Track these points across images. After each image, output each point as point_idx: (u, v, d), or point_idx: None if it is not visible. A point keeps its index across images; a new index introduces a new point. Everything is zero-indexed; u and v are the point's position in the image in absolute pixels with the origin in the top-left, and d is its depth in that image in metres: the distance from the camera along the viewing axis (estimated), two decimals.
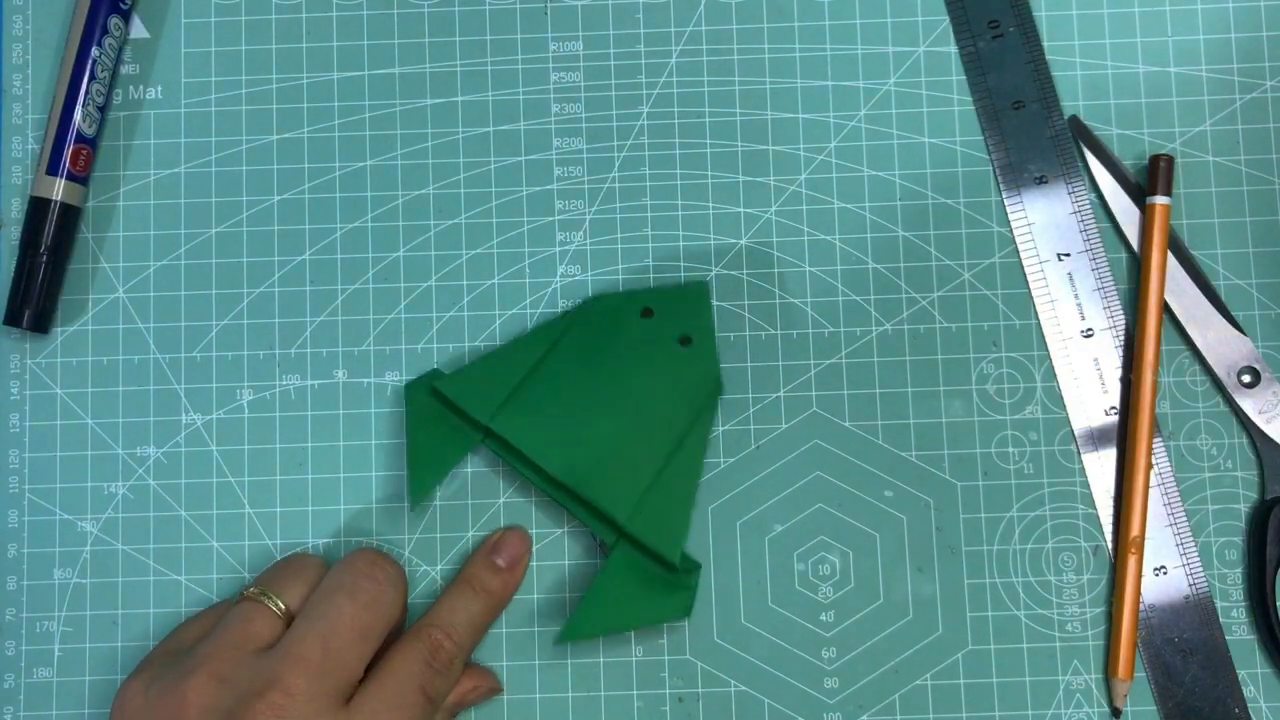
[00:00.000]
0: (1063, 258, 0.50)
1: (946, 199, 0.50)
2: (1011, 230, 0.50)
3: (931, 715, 0.48)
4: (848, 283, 0.50)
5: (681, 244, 0.50)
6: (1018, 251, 0.50)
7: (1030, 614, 0.48)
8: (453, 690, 0.45)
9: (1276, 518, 0.48)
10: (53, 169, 0.49)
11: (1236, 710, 0.47)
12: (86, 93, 0.49)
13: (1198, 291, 0.49)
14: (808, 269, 0.50)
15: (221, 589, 0.49)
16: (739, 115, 0.50)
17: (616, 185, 0.50)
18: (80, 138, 0.49)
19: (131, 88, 0.51)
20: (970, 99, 0.50)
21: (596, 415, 0.47)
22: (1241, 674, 0.48)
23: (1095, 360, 0.49)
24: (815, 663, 0.48)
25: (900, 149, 0.50)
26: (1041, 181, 0.50)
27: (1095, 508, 0.49)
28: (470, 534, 0.49)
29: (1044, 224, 0.50)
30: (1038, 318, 0.49)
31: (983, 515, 0.49)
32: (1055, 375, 0.49)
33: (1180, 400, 0.49)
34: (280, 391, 0.50)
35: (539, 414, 0.47)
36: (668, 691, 0.48)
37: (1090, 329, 0.49)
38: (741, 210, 0.50)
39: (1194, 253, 0.50)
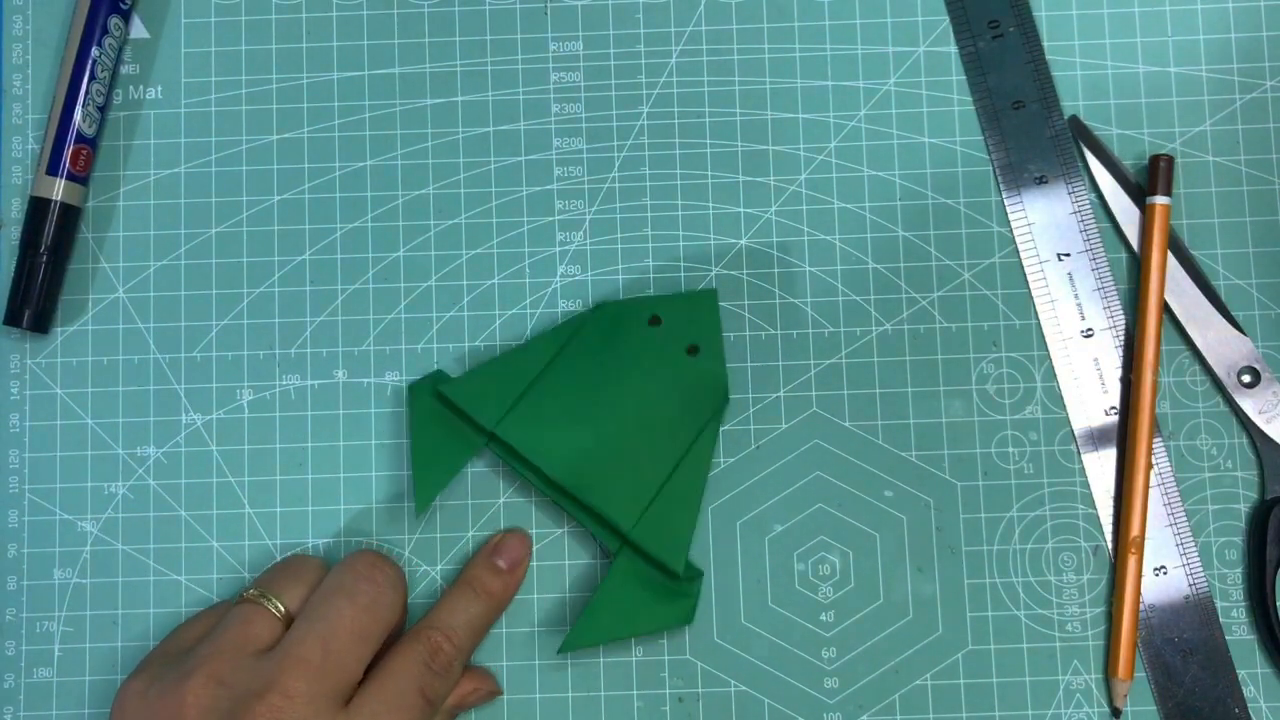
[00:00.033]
0: (1063, 258, 0.50)
1: (946, 199, 0.50)
2: (1011, 230, 0.50)
3: (931, 715, 0.48)
4: (848, 283, 0.50)
5: (681, 244, 0.50)
6: (1018, 251, 0.50)
7: (1030, 614, 0.48)
8: (452, 692, 0.45)
9: (1276, 518, 0.48)
10: (53, 169, 0.49)
11: (1236, 710, 0.47)
12: (86, 93, 0.49)
13: (1198, 291, 0.49)
14: (808, 269, 0.50)
15: (221, 589, 0.49)
16: (739, 115, 0.50)
17: (616, 185, 0.50)
18: (80, 138, 0.49)
19: (131, 88, 0.51)
20: (970, 99, 0.50)
21: (602, 422, 0.47)
22: (1241, 674, 0.48)
23: (1095, 360, 0.49)
24: (815, 663, 0.48)
25: (900, 149, 0.50)
26: (1041, 181, 0.50)
27: (1095, 508, 0.49)
28: (470, 534, 0.49)
29: (1044, 224, 0.50)
30: (1038, 318, 0.49)
31: (983, 515, 0.49)
32: (1055, 375, 0.49)
33: (1180, 400, 0.49)
34: (280, 391, 0.50)
35: (545, 420, 0.47)
36: (668, 691, 0.48)
37: (1090, 329, 0.49)
38: (741, 210, 0.50)
39: (1194, 253, 0.50)
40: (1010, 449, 0.49)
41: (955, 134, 0.50)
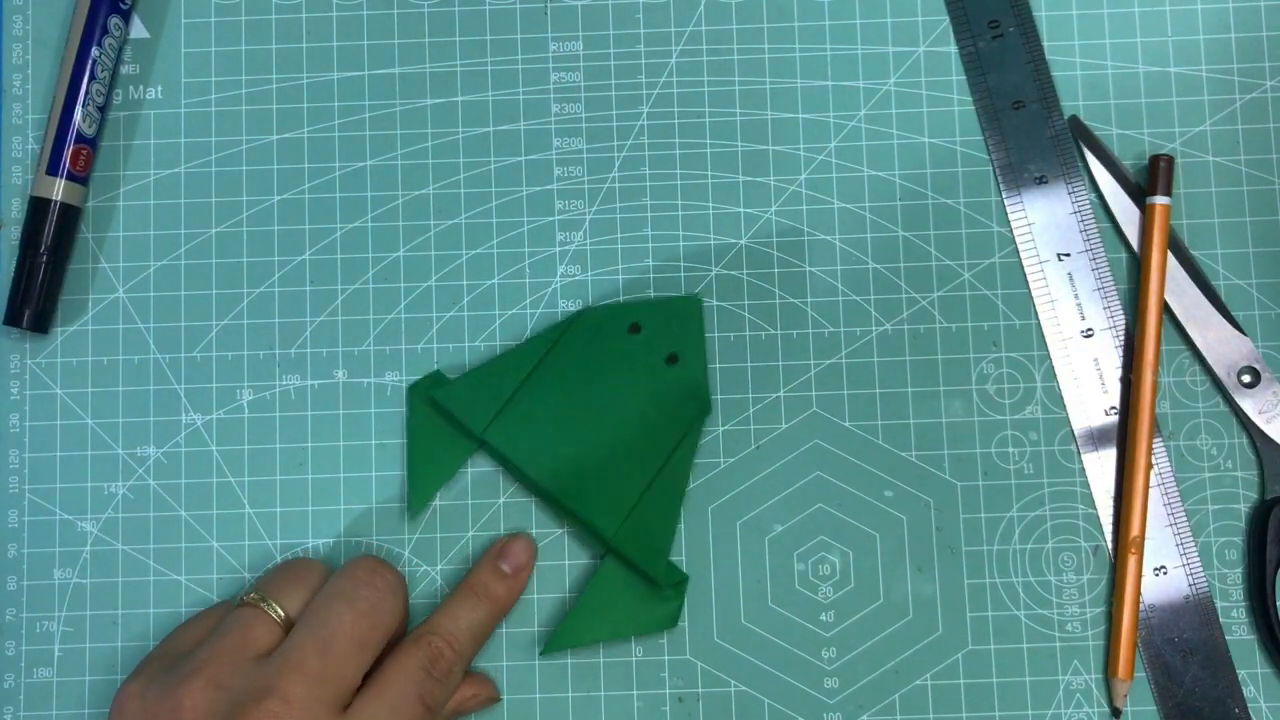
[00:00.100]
0: (1063, 258, 0.50)
1: (946, 199, 0.50)
2: (1011, 230, 0.50)
3: (931, 715, 0.48)
4: (848, 283, 0.50)
5: (681, 244, 0.50)
6: (1018, 251, 0.50)
7: (1030, 614, 0.48)
8: (451, 697, 0.45)
9: (1276, 518, 0.48)
10: (53, 169, 0.49)
11: (1236, 710, 0.47)
12: (86, 93, 0.49)
13: (1198, 291, 0.49)
14: (808, 269, 0.50)
15: (221, 589, 0.49)
16: (739, 115, 0.50)
17: (616, 185, 0.50)
18: (80, 138, 0.49)
19: (131, 88, 0.51)
20: (970, 99, 0.50)
21: (585, 429, 0.47)
22: (1241, 674, 0.48)
23: (1095, 360, 0.49)
24: (815, 663, 0.48)
25: (900, 149, 0.50)
26: (1041, 181, 0.50)
27: (1095, 508, 0.49)
28: (470, 534, 0.49)
29: (1044, 224, 0.50)
30: (1038, 318, 0.49)
31: (983, 515, 0.49)
32: (1055, 375, 0.49)
33: (1180, 400, 0.49)
34: (280, 391, 0.50)
35: (531, 426, 0.47)
36: (668, 691, 0.48)
37: (1090, 329, 0.49)
38: (741, 210, 0.50)
39: (1194, 253, 0.50)
40: (1010, 449, 0.49)
41: (955, 134, 0.50)
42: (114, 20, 0.50)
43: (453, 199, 0.50)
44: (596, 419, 0.47)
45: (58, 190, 0.49)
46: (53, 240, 0.49)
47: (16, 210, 0.50)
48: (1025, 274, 0.50)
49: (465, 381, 0.48)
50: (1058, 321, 0.49)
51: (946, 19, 0.51)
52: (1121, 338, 0.49)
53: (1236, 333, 0.49)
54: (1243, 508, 0.49)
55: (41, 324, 0.49)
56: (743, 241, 0.50)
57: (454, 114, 0.50)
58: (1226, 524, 0.49)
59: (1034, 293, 0.50)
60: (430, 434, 0.48)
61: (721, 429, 0.49)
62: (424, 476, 0.48)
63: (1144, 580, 0.48)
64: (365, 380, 0.49)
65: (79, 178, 0.49)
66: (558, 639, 0.47)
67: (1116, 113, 0.50)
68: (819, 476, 0.49)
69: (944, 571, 0.48)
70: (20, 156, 0.51)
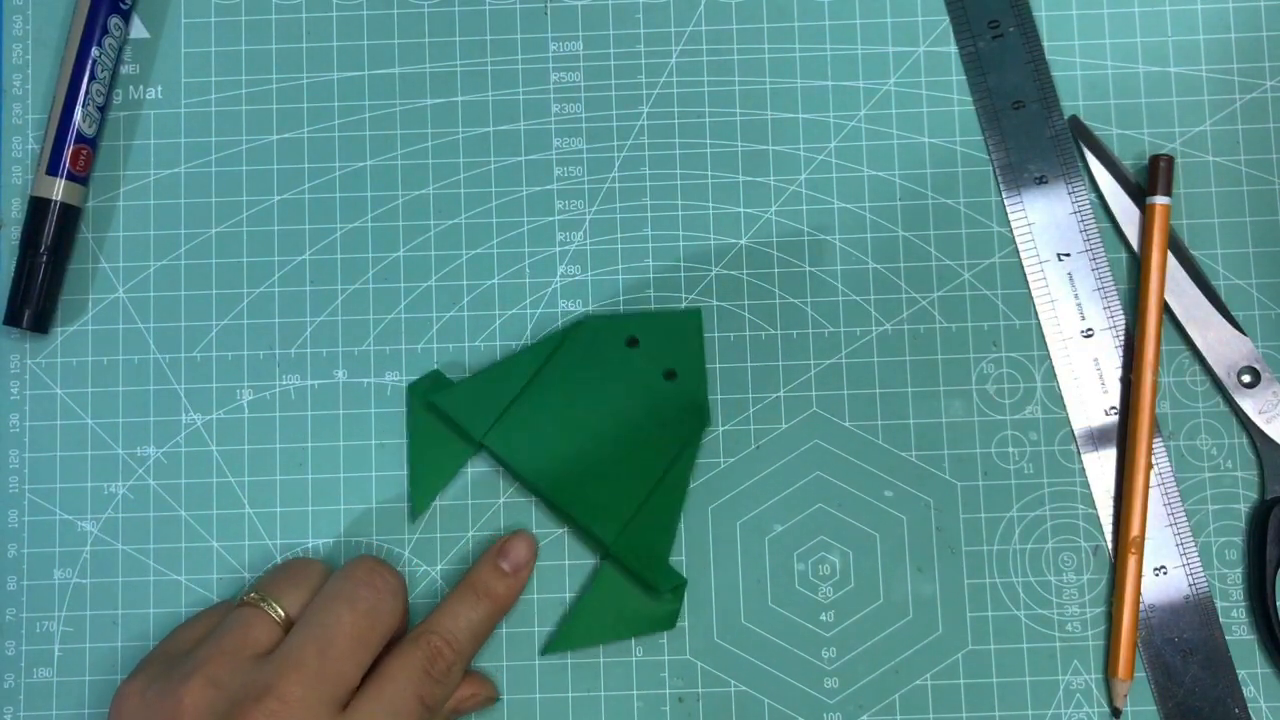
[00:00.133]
0: (1063, 258, 0.50)
1: (946, 199, 0.50)
2: (1011, 230, 0.50)
3: (931, 715, 0.48)
4: (848, 283, 0.50)
5: (681, 244, 0.50)
6: (1018, 251, 0.50)
7: (1030, 614, 0.48)
8: (451, 697, 0.45)
9: (1276, 518, 0.48)
10: (53, 169, 0.49)
11: (1236, 710, 0.47)
12: (86, 93, 0.49)
13: (1198, 291, 0.49)
14: (808, 269, 0.50)
15: (221, 589, 0.49)
16: (739, 115, 0.50)
17: (616, 185, 0.50)
18: (80, 138, 0.49)
19: (131, 88, 0.51)
20: (970, 99, 0.50)
21: (584, 438, 0.47)
22: (1241, 674, 0.48)
23: (1095, 360, 0.49)
24: (815, 663, 0.48)
25: (900, 149, 0.50)
26: (1041, 181, 0.50)
27: (1095, 508, 0.49)
28: (470, 534, 0.49)
29: (1044, 224, 0.50)
30: (1038, 318, 0.49)
31: (983, 515, 0.49)
32: (1055, 375, 0.49)
33: (1180, 400, 0.49)
34: (280, 391, 0.50)
35: (530, 432, 0.47)
36: (668, 691, 0.48)
37: (1090, 329, 0.49)
38: (741, 210, 0.50)
39: (1194, 253, 0.50)
40: (1010, 449, 0.49)
41: (955, 134, 0.50)
42: (114, 20, 0.50)
43: (453, 199, 0.50)
44: (595, 428, 0.47)
45: (58, 190, 0.49)
46: (53, 240, 0.49)
47: (16, 210, 0.50)
48: (1025, 274, 0.50)
49: (465, 387, 0.48)
50: (1058, 321, 0.49)
51: (946, 19, 0.51)
52: (1121, 338, 0.49)
53: (1236, 333, 0.49)
54: (1243, 508, 0.49)
55: (41, 324, 0.49)
56: (743, 241, 0.50)
57: (454, 114, 0.50)
58: (1226, 524, 0.49)
59: (1034, 293, 0.50)
60: (431, 435, 0.48)
61: (721, 429, 0.49)
62: (426, 477, 0.48)
63: (1144, 580, 0.48)
64: (365, 380, 0.49)
65: (79, 178, 0.49)
66: (557, 641, 0.47)
67: (1116, 113, 0.50)
68: (819, 476, 0.49)
69: (944, 571, 0.48)
70: (20, 156, 0.51)
